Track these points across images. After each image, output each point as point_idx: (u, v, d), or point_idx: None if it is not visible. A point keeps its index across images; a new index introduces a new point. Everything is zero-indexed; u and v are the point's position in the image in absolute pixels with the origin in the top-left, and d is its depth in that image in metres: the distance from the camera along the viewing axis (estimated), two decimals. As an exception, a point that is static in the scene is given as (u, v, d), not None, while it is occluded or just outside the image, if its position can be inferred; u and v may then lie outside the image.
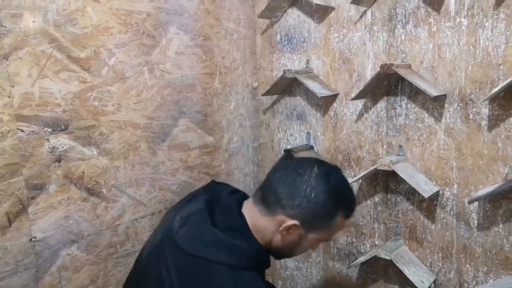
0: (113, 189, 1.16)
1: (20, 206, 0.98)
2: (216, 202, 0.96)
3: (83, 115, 1.08)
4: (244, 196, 1.01)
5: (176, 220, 0.94)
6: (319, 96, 1.30)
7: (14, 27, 0.93)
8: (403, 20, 1.20)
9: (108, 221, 1.16)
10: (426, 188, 1.15)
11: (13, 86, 0.94)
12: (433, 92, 1.09)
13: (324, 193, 0.88)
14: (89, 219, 1.11)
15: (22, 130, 0.97)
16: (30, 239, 1.00)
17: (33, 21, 0.96)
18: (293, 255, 0.99)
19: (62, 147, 1.04)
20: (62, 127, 1.04)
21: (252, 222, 0.93)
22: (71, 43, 1.03)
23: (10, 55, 0.93)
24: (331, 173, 0.91)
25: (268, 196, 0.91)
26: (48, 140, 1.01)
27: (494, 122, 1.08)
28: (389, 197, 1.31)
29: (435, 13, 1.14)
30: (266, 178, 0.96)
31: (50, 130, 1.02)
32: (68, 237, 1.08)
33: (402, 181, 1.22)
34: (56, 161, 1.03)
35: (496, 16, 1.04)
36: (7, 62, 0.93)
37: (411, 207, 1.27)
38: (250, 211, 0.94)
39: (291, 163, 0.94)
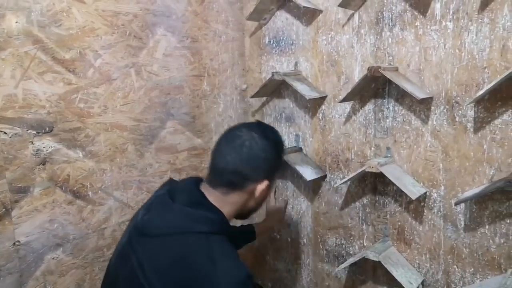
0: (99, 191, 1.14)
1: (3, 209, 0.96)
2: (175, 188, 0.99)
3: (68, 117, 1.06)
4: (200, 178, 1.05)
5: (140, 214, 0.96)
6: (308, 98, 1.30)
7: (-4, 28, 0.92)
8: (390, 23, 1.20)
9: (94, 224, 1.14)
10: (413, 190, 1.16)
11: (-4, 88, 0.93)
12: (419, 94, 1.10)
13: (272, 147, 0.99)
14: (75, 222, 1.10)
15: (5, 133, 0.95)
16: (14, 243, 0.99)
17: (16, 22, 0.95)
18: (259, 208, 1.08)
19: (47, 150, 1.03)
20: (47, 129, 1.02)
21: (216, 201, 0.97)
22: (55, 44, 1.02)
23: (-7, 56, 0.92)
24: (264, 130, 1.01)
25: (230, 178, 0.96)
26: (32, 143, 1.00)
27: (479, 125, 1.09)
28: (377, 198, 1.32)
29: (421, 16, 1.15)
30: (215, 164, 0.99)
31: (35, 132, 1.00)
32: (53, 241, 1.06)
33: (390, 182, 1.22)
34: (40, 163, 1.02)
35: (480, 20, 1.05)
36: (-11, 63, 0.92)
37: (399, 208, 1.27)
38: (210, 194, 0.98)
39: (231, 142, 0.98)
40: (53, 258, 1.06)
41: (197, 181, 1.02)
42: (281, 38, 1.45)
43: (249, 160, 0.96)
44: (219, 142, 1.00)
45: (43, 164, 1.02)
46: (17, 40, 0.95)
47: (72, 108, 1.07)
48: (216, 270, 0.84)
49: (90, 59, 1.09)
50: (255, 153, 0.96)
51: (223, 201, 0.97)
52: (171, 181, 1.06)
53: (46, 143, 1.03)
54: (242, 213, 1.04)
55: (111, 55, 1.13)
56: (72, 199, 1.09)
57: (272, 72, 1.36)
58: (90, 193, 1.12)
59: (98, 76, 1.11)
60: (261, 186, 0.97)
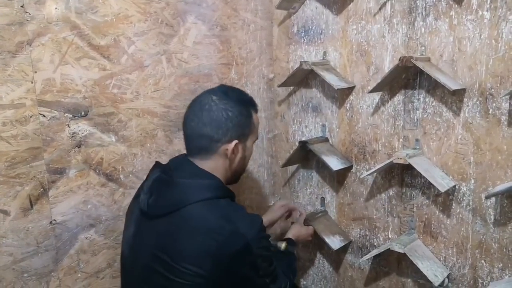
0: (130, 175, 1.18)
1: (41, 189, 1.00)
2: (168, 167, 1.03)
3: (103, 102, 1.09)
4: (185, 154, 1.07)
5: (142, 199, 0.98)
6: (336, 89, 1.30)
7: (37, 14, 0.95)
8: (423, 13, 1.18)
9: (125, 207, 1.17)
10: (442, 183, 1.14)
11: (35, 72, 0.96)
12: (452, 85, 1.08)
13: (234, 106, 1.01)
14: (107, 204, 1.14)
15: (43, 115, 0.99)
16: (51, 222, 1.03)
17: (56, 8, 0.98)
18: (245, 167, 1.13)
19: (82, 133, 1.06)
20: (82, 113, 1.06)
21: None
22: (91, 31, 1.05)
23: (33, 41, 0.95)
24: (225, 91, 1.04)
25: (201, 143, 1.00)
26: (68, 126, 1.04)
27: (514, 117, 1.06)
28: (404, 191, 1.31)
29: (456, 6, 1.12)
30: (186, 134, 1.03)
31: (71, 116, 1.04)
32: (87, 221, 1.10)
33: (418, 175, 1.21)
34: (76, 146, 1.05)
35: (520, 9, 1.02)
36: (30, 48, 0.95)
37: (426, 201, 1.26)
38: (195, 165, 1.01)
39: (194, 109, 1.02)
40: (86, 238, 1.10)
41: (184, 156, 1.05)
42: (310, 27, 1.44)
43: (211, 122, 0.98)
44: (185, 113, 1.04)
45: (79, 147, 1.06)
46: (56, 26, 0.98)
47: (106, 94, 1.10)
48: (238, 227, 0.90)
49: (123, 45, 1.11)
50: (215, 114, 0.98)
51: (208, 167, 1.00)
52: (159, 163, 1.08)
53: (82, 127, 1.06)
54: (231, 179, 1.07)
55: (143, 42, 1.15)
56: (105, 181, 1.12)
57: (300, 62, 1.36)
58: (121, 176, 1.16)
59: (131, 63, 1.14)
60: (231, 145, 0.99)
